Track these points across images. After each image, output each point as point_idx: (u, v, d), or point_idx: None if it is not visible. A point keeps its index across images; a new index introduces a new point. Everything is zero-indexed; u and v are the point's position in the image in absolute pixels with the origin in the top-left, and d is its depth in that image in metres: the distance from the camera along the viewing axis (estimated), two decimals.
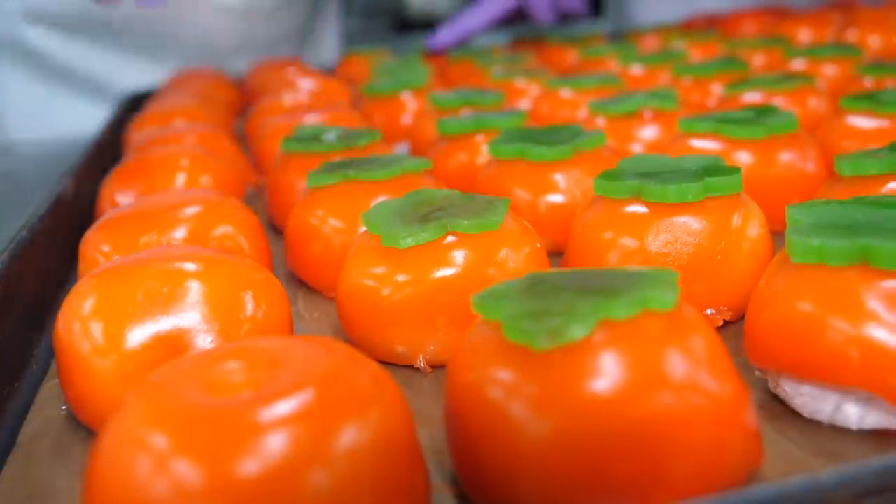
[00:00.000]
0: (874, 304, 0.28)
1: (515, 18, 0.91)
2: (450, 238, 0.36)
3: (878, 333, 0.28)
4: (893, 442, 0.29)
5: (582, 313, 0.25)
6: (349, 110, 0.72)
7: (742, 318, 0.36)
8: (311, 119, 0.67)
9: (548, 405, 0.24)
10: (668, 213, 0.38)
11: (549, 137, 0.49)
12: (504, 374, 0.25)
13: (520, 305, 0.26)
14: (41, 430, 0.35)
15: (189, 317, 0.32)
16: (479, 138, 0.56)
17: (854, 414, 0.30)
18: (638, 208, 0.38)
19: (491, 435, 0.25)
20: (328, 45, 1.30)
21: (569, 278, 0.28)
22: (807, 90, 0.62)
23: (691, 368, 0.25)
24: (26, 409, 0.37)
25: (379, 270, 0.36)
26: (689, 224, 0.37)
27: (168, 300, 0.32)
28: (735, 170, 0.39)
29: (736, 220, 0.38)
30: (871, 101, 0.52)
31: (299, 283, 0.48)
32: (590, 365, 0.24)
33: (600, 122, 0.58)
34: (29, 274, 0.46)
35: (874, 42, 0.88)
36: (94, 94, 1.12)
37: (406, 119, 0.76)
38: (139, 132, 0.73)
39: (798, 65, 0.76)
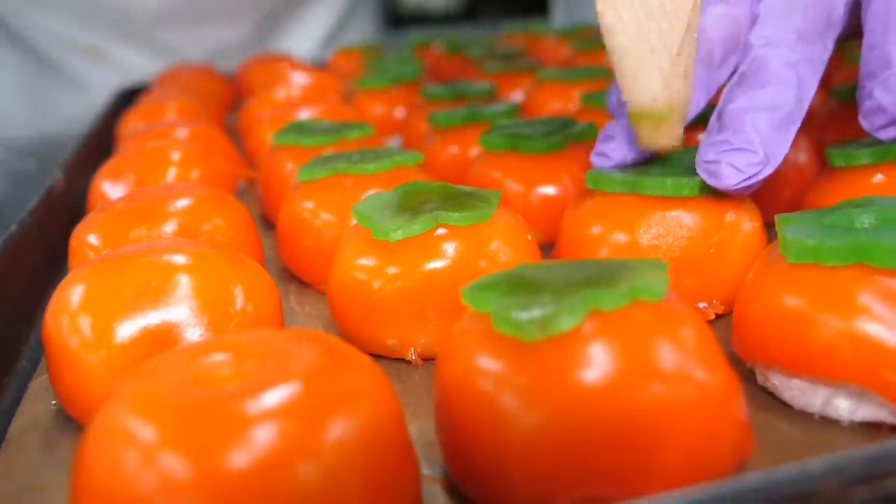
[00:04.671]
0: (866, 298, 0.28)
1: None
2: (440, 230, 0.36)
3: (871, 328, 0.28)
4: (885, 433, 0.29)
5: (571, 304, 0.25)
6: (341, 104, 0.71)
7: None
8: (304, 113, 0.66)
9: (537, 396, 0.24)
10: (660, 206, 0.38)
11: (540, 130, 0.49)
12: (493, 366, 0.25)
13: (509, 297, 0.26)
14: (31, 425, 0.35)
15: (178, 311, 0.32)
16: (471, 131, 0.56)
17: (845, 408, 0.30)
18: (630, 201, 0.38)
19: (481, 426, 0.25)
20: (317, 37, 1.28)
21: (558, 269, 0.28)
22: None
23: (681, 358, 0.25)
24: (16, 404, 0.37)
25: (370, 263, 0.36)
26: (682, 217, 0.37)
27: (157, 294, 0.32)
28: None
29: (729, 214, 0.38)
30: None
31: (291, 276, 0.48)
32: (579, 355, 0.24)
33: (592, 114, 0.58)
34: (19, 269, 0.46)
35: None
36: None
37: (399, 113, 0.76)
38: (130, 126, 0.73)
39: None
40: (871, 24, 0.38)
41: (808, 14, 0.37)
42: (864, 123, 0.40)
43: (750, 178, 0.36)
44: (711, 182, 0.37)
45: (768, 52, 0.37)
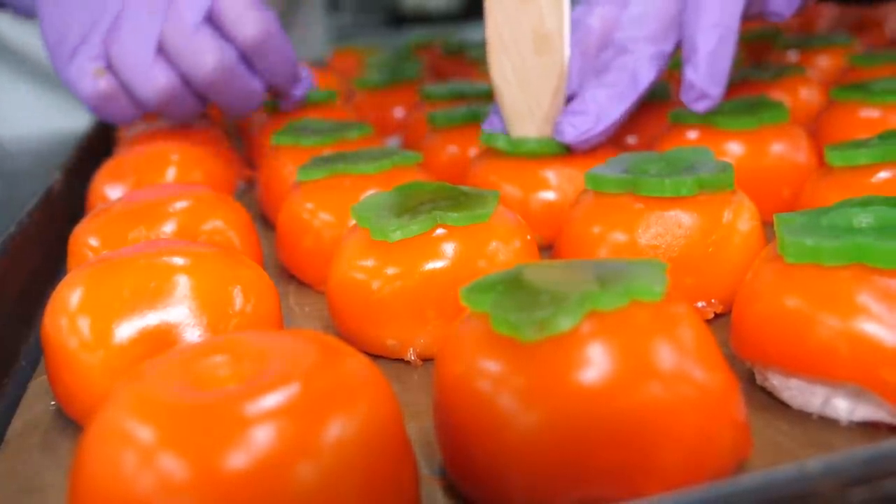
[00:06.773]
0: (864, 299, 0.28)
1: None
2: (439, 231, 0.36)
3: (870, 328, 0.28)
4: (883, 433, 0.29)
5: (570, 304, 0.25)
6: (341, 104, 0.71)
7: None
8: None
9: (536, 396, 0.24)
10: (659, 206, 0.38)
11: None
12: (492, 366, 0.25)
13: (507, 297, 0.26)
14: (30, 426, 0.35)
15: (177, 311, 0.32)
16: (471, 131, 0.56)
17: (844, 408, 0.29)
18: (629, 202, 0.38)
19: (479, 426, 0.25)
20: (313, 39, 1.28)
21: (556, 270, 0.28)
22: (798, 81, 0.62)
23: (679, 359, 0.25)
24: (15, 404, 0.37)
25: (369, 263, 0.36)
26: (681, 217, 0.37)
27: (156, 295, 0.32)
28: (727, 166, 0.38)
29: (727, 213, 0.38)
30: (862, 91, 0.52)
31: (291, 276, 0.48)
32: (578, 356, 0.24)
33: None
34: (18, 269, 0.46)
35: None
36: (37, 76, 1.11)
37: (398, 113, 0.76)
38: (130, 127, 0.73)
39: (789, 56, 0.76)
40: (687, 18, 0.47)
41: (656, 24, 0.47)
42: (682, 99, 0.48)
43: (583, 133, 0.46)
44: (558, 138, 0.47)
45: (619, 50, 0.48)
